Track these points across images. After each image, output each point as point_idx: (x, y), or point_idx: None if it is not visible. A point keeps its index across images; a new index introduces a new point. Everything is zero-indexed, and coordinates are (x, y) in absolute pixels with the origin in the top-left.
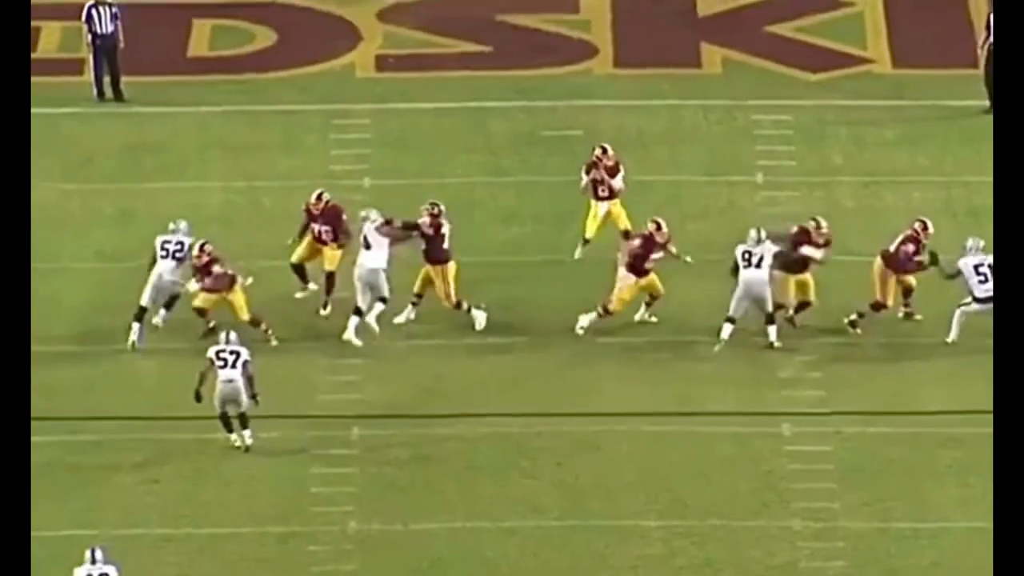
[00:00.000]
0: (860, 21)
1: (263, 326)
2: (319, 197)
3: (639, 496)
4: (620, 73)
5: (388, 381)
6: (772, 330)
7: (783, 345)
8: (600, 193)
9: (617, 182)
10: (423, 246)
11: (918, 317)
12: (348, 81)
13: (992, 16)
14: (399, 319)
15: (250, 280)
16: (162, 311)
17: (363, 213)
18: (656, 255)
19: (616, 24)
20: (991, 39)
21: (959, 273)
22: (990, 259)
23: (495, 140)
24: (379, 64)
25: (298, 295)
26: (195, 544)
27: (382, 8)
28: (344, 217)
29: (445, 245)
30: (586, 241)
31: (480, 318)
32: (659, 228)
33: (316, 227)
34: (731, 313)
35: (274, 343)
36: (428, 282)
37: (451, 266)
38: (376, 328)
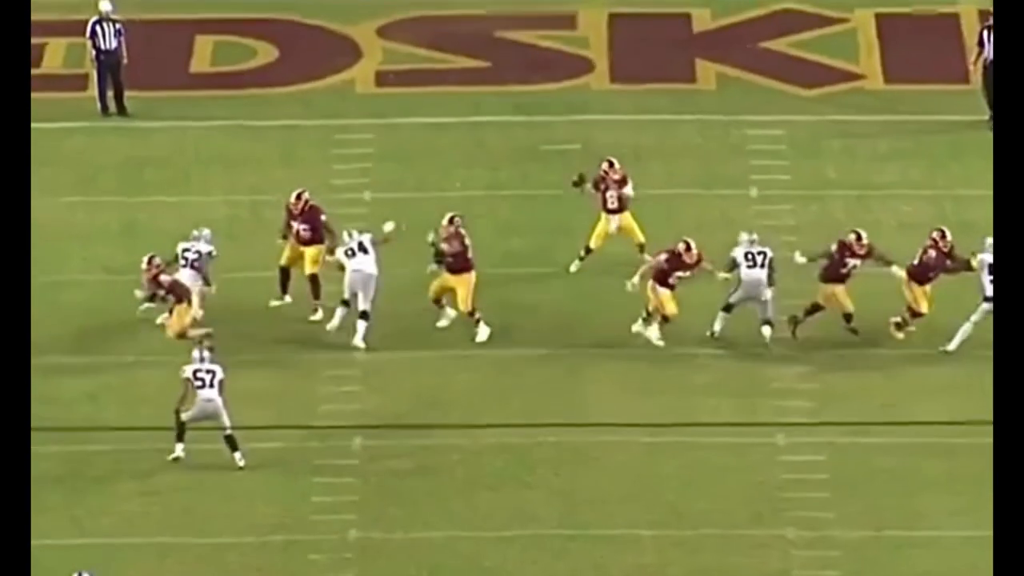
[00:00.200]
0: (853, 38)
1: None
2: (299, 196)
3: (635, 506)
4: (616, 89)
5: (389, 392)
6: (767, 331)
7: (777, 354)
8: (610, 205)
9: (627, 190)
10: (448, 259)
11: (906, 331)
12: (348, 96)
13: (984, 32)
14: (442, 323)
15: (213, 289)
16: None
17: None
18: (680, 273)
19: (613, 41)
20: (985, 54)
21: (972, 268)
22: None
23: (494, 154)
24: (379, 80)
25: (272, 303)
26: (197, 553)
27: (382, 25)
28: (323, 217)
29: (469, 255)
30: (588, 250)
31: (484, 332)
32: (688, 249)
33: (296, 226)
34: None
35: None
36: (446, 290)
37: (472, 275)
38: (363, 345)
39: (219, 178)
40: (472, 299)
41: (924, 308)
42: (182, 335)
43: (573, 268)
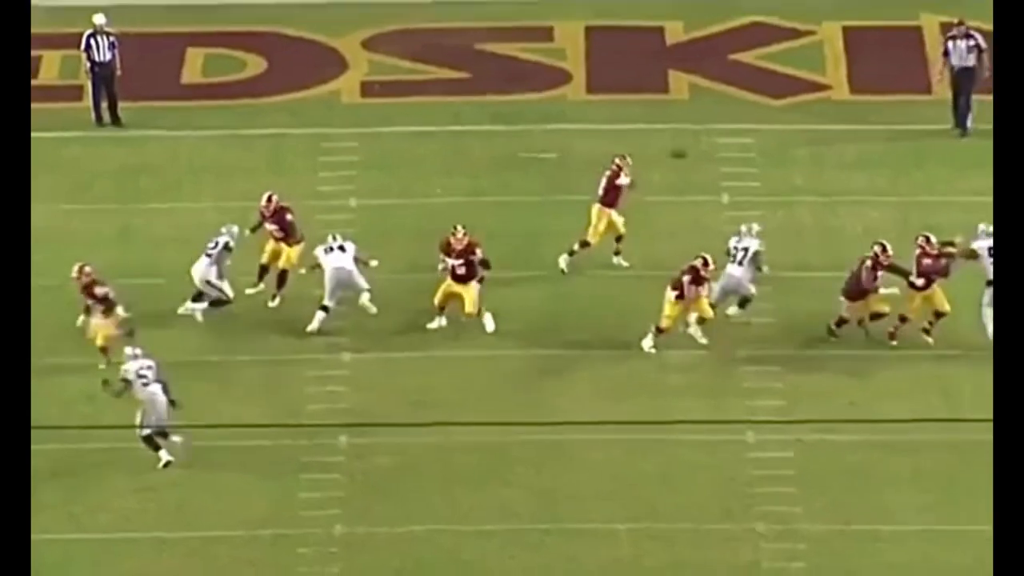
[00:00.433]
0: (820, 50)
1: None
2: (268, 199)
3: (611, 501)
4: (593, 99)
5: (374, 391)
6: (734, 310)
7: (748, 355)
8: (604, 198)
9: (625, 189)
10: (456, 261)
11: (929, 340)
12: (335, 106)
13: (948, 42)
14: (432, 326)
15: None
16: (191, 303)
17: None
18: (699, 289)
19: (589, 52)
20: (952, 62)
21: (976, 255)
22: (987, 242)
23: (474, 162)
24: (364, 90)
25: (248, 291)
26: (189, 547)
27: (367, 37)
28: (289, 217)
29: (477, 263)
30: (585, 244)
31: (490, 322)
32: (706, 264)
33: (268, 226)
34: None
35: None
36: (451, 297)
37: (476, 282)
38: (373, 309)
39: (210, 185)
40: (479, 303)
41: (946, 307)
42: (105, 347)
43: (618, 261)
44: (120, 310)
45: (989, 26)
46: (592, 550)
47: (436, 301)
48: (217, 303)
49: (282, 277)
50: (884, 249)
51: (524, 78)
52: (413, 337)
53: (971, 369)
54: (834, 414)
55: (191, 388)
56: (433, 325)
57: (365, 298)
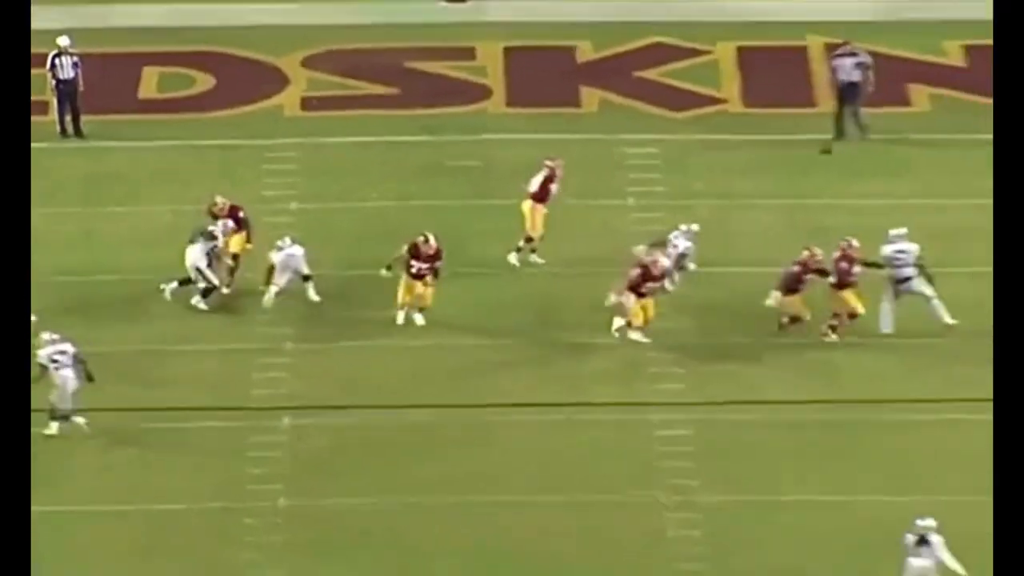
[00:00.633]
0: (716, 68)
1: None
2: (219, 203)
3: (533, 476)
4: (511, 112)
5: (314, 377)
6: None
7: (656, 343)
8: (538, 195)
9: (554, 189)
10: (423, 265)
11: (834, 337)
12: (277, 119)
13: (835, 59)
14: (400, 321)
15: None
16: (175, 284)
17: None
18: (650, 284)
19: (508, 70)
20: (842, 77)
21: (884, 263)
22: (903, 245)
23: (405, 170)
24: (304, 105)
25: (224, 290)
26: (146, 518)
27: (306, 56)
28: (242, 214)
29: (440, 264)
30: (529, 239)
31: (419, 319)
32: (655, 262)
33: (220, 223)
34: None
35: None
36: (412, 294)
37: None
38: (317, 297)
39: (165, 191)
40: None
41: (860, 309)
42: None
43: (513, 260)
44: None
45: (873, 46)
46: (517, 520)
47: (400, 299)
48: (206, 291)
49: (235, 260)
50: (849, 245)
51: (449, 93)
52: (349, 328)
53: (851, 355)
54: (730, 396)
55: (148, 375)
56: (400, 320)
57: (310, 288)
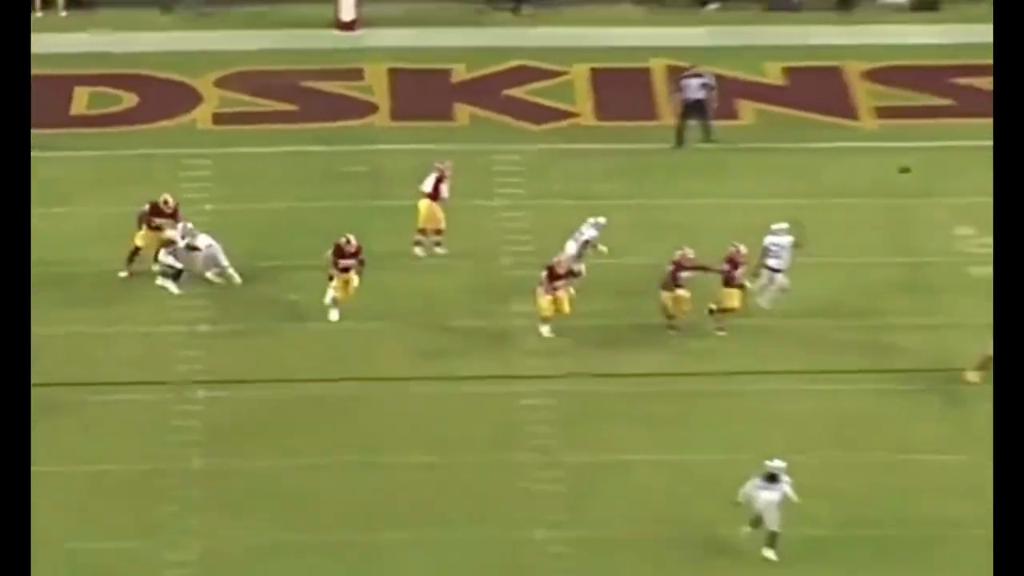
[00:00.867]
0: (571, 87)
1: None
2: (166, 202)
3: (413, 440)
4: (395, 125)
5: (226, 355)
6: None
7: (526, 325)
8: (443, 195)
9: (444, 190)
10: (349, 261)
11: (723, 333)
12: (192, 132)
13: (682, 80)
14: (333, 317)
15: None
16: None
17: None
18: (557, 281)
19: (392, 89)
20: (685, 96)
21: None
22: (778, 239)
23: (304, 176)
24: (216, 119)
25: (122, 273)
26: (82, 478)
27: (218, 77)
28: (180, 213)
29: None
30: (423, 231)
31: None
32: (559, 262)
33: (158, 220)
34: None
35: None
36: (345, 286)
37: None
38: (238, 278)
39: (96, 194)
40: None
41: (736, 304)
42: None
43: (418, 251)
44: None
45: (707, 68)
46: (399, 478)
47: (333, 295)
48: (174, 275)
49: (138, 252)
50: (737, 251)
51: (341, 109)
52: (258, 312)
53: (698, 336)
54: (589, 369)
55: (84, 355)
56: (334, 317)
57: (230, 270)
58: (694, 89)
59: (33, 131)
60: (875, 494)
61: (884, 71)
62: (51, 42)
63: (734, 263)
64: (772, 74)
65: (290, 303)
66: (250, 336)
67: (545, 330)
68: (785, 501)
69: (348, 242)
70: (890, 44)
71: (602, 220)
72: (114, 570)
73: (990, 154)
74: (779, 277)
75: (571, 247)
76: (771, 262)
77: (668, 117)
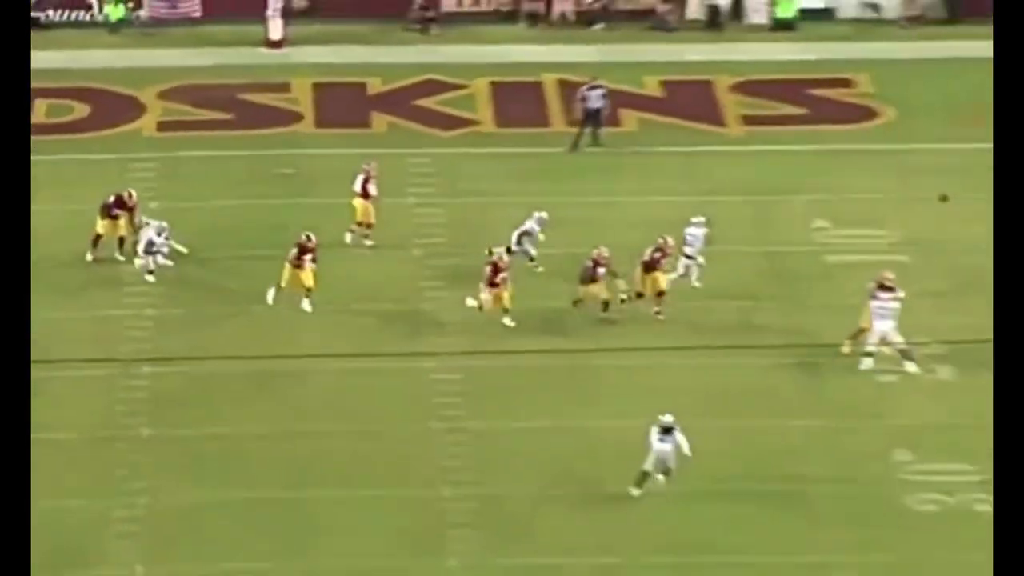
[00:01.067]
0: (474, 98)
1: None
2: (129, 195)
3: (330, 412)
4: (319, 132)
5: (170, 336)
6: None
7: (434, 308)
8: (371, 193)
9: (372, 188)
10: (308, 257)
11: (661, 317)
12: (139, 139)
13: (586, 90)
14: (306, 306)
15: None
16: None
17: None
18: (502, 275)
19: (316, 100)
20: (588, 104)
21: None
22: (694, 230)
23: (239, 177)
24: (159, 127)
25: (88, 257)
26: (43, 445)
27: (161, 90)
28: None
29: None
30: (359, 224)
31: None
32: (502, 258)
33: (118, 211)
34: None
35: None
36: (295, 279)
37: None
38: (184, 249)
39: (54, 194)
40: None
41: (648, 291)
42: None
43: (348, 239)
44: None
45: (603, 83)
46: (319, 447)
47: (284, 284)
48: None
49: (122, 242)
50: (665, 243)
51: (271, 118)
52: (199, 298)
53: (592, 317)
54: (491, 347)
55: (44, 336)
56: (271, 300)
57: (176, 245)
58: (595, 99)
59: None
60: (747, 454)
61: (748, 84)
62: None
63: (663, 252)
64: (651, 87)
65: (228, 290)
66: (192, 319)
67: (507, 320)
68: (678, 451)
69: (309, 240)
70: (753, 60)
71: (543, 215)
72: (71, 525)
73: (841, 156)
74: (694, 263)
75: (506, 256)
76: (687, 250)
77: (559, 124)
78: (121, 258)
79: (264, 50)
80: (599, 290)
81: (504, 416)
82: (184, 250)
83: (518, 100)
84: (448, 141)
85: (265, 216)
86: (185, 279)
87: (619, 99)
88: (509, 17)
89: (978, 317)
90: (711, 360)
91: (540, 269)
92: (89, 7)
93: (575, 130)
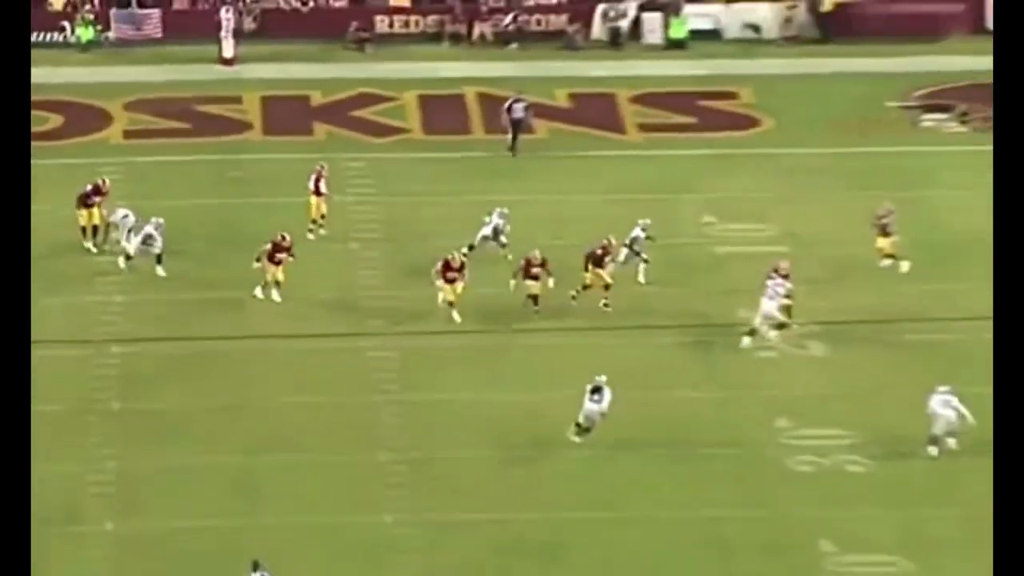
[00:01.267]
0: (404, 109)
1: None
2: (103, 182)
3: (284, 384)
4: (267, 139)
5: (137, 320)
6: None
7: (363, 294)
8: (322, 191)
9: (323, 186)
10: (283, 254)
11: (609, 309)
12: (107, 146)
13: (511, 104)
14: (275, 296)
15: None
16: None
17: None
18: (451, 273)
19: (264, 111)
20: (513, 115)
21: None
22: (636, 230)
23: (198, 180)
24: (125, 135)
25: (89, 247)
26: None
27: (126, 102)
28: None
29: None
30: (314, 220)
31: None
32: (453, 258)
33: (96, 199)
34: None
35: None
36: (274, 274)
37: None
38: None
39: (33, 195)
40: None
41: (610, 281)
42: None
43: (311, 236)
44: None
45: (512, 94)
46: (273, 415)
47: (268, 279)
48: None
49: (103, 231)
50: (609, 243)
51: (224, 127)
52: (163, 286)
53: (514, 305)
54: (421, 329)
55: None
56: (260, 295)
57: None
58: (518, 111)
59: None
60: (647, 422)
61: (646, 96)
62: None
63: (606, 251)
64: (560, 99)
65: (189, 278)
66: (157, 305)
67: (454, 314)
68: (604, 410)
69: (284, 238)
70: (650, 75)
71: (505, 210)
72: (49, 488)
73: (726, 160)
74: (639, 259)
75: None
76: (636, 247)
77: (479, 132)
78: (94, 250)
79: (218, 67)
80: (535, 287)
81: (434, 389)
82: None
83: (443, 111)
84: (381, 147)
85: (220, 213)
86: (152, 270)
87: (532, 110)
88: (435, 38)
89: (847, 300)
90: (616, 340)
91: (510, 257)
92: (63, 29)
93: (505, 137)
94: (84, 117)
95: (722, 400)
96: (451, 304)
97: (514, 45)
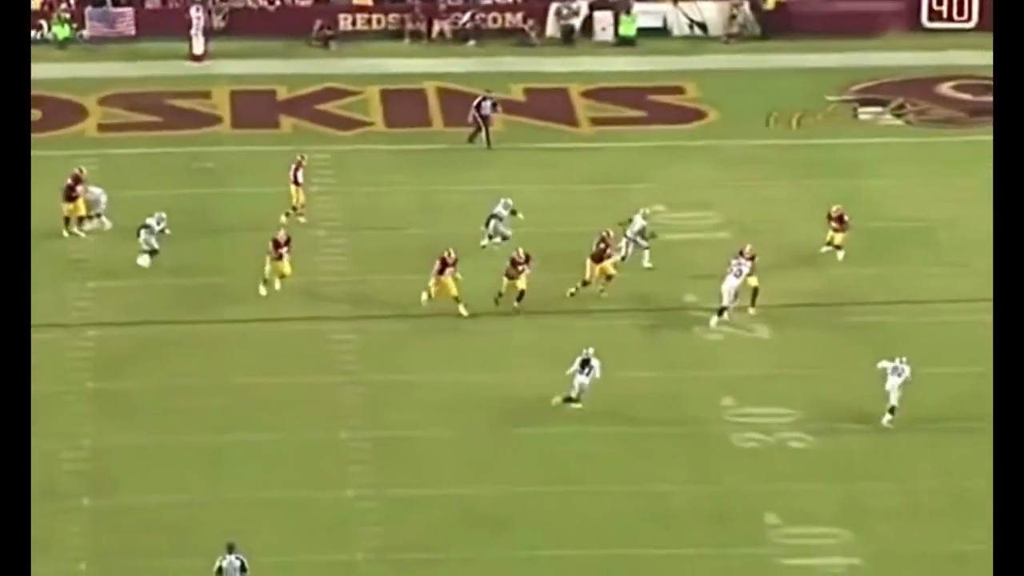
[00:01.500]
0: (367, 103)
1: None
2: (81, 171)
3: (252, 366)
4: (236, 132)
5: (109, 305)
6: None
7: (339, 284)
8: (295, 180)
9: (300, 176)
10: (283, 248)
11: (605, 295)
12: (83, 138)
13: (480, 102)
14: (277, 286)
15: None
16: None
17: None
18: (448, 268)
19: (233, 105)
20: (484, 112)
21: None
22: (637, 219)
23: (169, 170)
24: (100, 128)
25: (80, 233)
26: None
27: (101, 97)
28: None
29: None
30: (294, 208)
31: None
32: (449, 254)
33: (78, 189)
34: None
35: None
36: (277, 268)
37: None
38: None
39: None
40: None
41: (599, 276)
42: None
43: (283, 220)
44: None
45: (472, 89)
46: (241, 395)
47: (267, 275)
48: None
49: (81, 220)
50: (608, 234)
51: (195, 120)
52: (135, 273)
53: (474, 289)
54: (382, 313)
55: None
56: (263, 292)
57: (104, 219)
58: (486, 108)
59: None
60: (601, 400)
61: (597, 91)
62: None
63: (606, 243)
64: (516, 93)
65: (161, 265)
66: (129, 290)
67: (423, 301)
68: (593, 380)
69: (280, 236)
70: (601, 71)
71: (509, 200)
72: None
73: (674, 151)
74: (641, 247)
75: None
76: (637, 238)
77: (439, 125)
78: (81, 234)
79: (188, 63)
80: (520, 282)
81: (393, 370)
82: (108, 225)
83: (404, 105)
84: (345, 139)
85: (191, 203)
86: (124, 256)
87: (500, 107)
88: (396, 35)
89: (788, 285)
90: (570, 322)
91: (484, 244)
92: (39, 27)
93: (468, 131)
94: (60, 111)
95: (670, 380)
96: (456, 299)
97: (472, 42)
